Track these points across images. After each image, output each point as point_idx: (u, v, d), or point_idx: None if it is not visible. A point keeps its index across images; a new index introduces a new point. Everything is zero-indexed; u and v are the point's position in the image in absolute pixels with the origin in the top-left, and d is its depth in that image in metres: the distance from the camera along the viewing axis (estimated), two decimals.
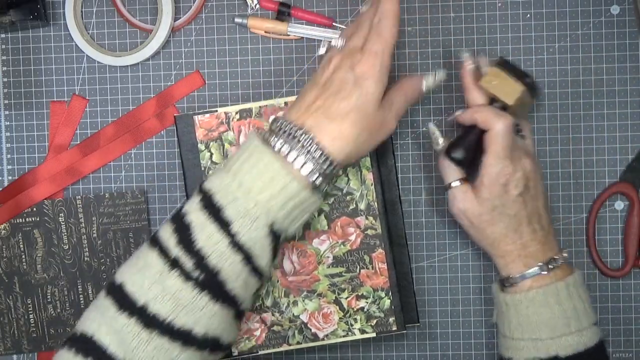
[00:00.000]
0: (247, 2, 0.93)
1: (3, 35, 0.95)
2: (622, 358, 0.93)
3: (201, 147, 0.90)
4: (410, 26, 0.93)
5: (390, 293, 0.90)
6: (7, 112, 0.96)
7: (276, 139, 0.76)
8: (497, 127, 0.81)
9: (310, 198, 0.76)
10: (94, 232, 0.95)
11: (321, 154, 0.75)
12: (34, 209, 0.95)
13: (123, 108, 0.95)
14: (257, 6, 0.93)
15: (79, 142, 0.95)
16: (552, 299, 0.81)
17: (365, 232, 0.89)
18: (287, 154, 0.75)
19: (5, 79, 0.96)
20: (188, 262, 0.73)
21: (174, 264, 0.73)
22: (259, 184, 0.74)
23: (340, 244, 0.89)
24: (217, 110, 0.89)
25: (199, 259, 0.74)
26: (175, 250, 0.74)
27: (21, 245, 0.95)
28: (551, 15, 0.92)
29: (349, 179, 0.89)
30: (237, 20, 0.93)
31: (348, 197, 0.89)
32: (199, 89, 0.94)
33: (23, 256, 0.95)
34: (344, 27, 0.93)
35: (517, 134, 0.85)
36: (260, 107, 0.89)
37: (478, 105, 0.83)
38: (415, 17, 0.92)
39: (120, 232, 0.95)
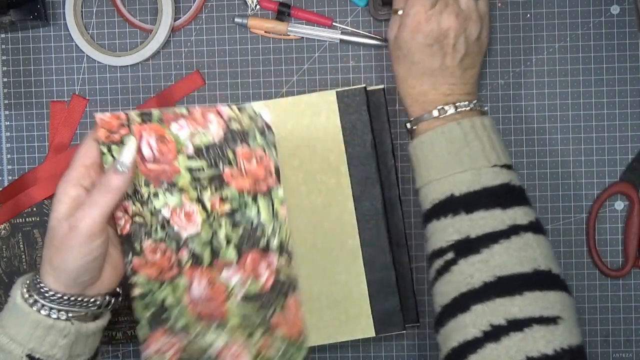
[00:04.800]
0: (247, 2, 0.93)
1: (3, 35, 0.96)
2: (622, 358, 0.93)
3: (103, 149, 0.79)
4: None
5: (389, 293, 0.89)
6: (7, 112, 0.96)
7: (26, 293, 0.80)
8: None
9: (64, 325, 0.79)
10: None
11: (53, 294, 0.78)
12: (34, 209, 0.95)
13: (123, 108, 0.95)
14: (257, 6, 0.93)
15: (79, 142, 0.95)
16: (443, 138, 0.81)
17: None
18: (33, 304, 0.79)
19: (5, 79, 0.96)
20: None
21: None
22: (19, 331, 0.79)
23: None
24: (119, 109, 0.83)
25: None
26: None
27: (21, 245, 0.95)
28: (551, 15, 0.92)
29: (259, 211, 0.81)
30: (237, 20, 0.93)
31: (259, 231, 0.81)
32: (199, 89, 0.94)
33: (23, 256, 0.95)
34: (343, 26, 0.93)
35: None
36: (161, 112, 0.79)
37: None
38: None
39: None
